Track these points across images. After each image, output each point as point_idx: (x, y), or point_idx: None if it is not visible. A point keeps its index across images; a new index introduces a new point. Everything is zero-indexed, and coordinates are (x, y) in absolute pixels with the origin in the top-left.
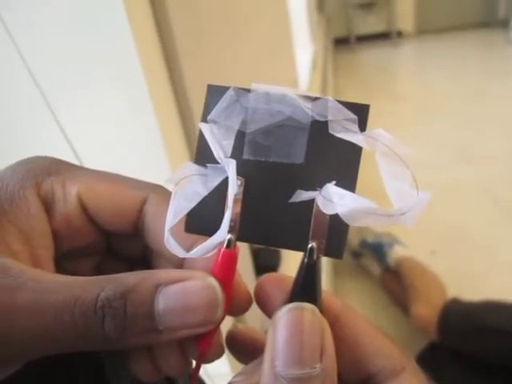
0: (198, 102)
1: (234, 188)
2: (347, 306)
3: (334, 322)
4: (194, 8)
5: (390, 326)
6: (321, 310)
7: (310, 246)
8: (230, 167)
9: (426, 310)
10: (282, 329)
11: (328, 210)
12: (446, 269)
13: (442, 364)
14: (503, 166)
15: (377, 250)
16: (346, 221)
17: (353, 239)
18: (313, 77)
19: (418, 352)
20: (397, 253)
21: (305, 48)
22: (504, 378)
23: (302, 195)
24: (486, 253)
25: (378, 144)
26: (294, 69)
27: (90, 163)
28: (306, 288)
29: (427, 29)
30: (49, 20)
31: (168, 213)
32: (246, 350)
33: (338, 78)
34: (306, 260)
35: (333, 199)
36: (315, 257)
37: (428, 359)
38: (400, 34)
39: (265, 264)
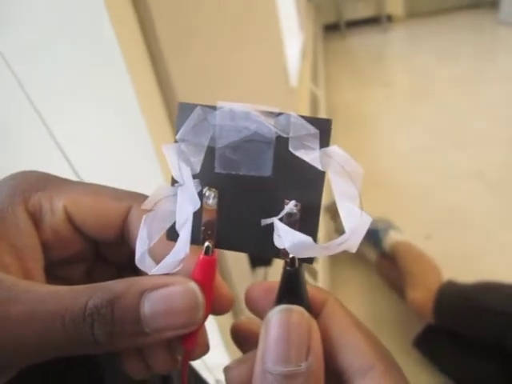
0: (184, 98)
1: (194, 204)
2: (332, 299)
3: (315, 316)
4: (178, 3)
5: (386, 310)
6: (308, 310)
7: (291, 255)
8: (184, 192)
9: (422, 294)
10: (271, 328)
11: (278, 244)
12: (440, 252)
13: (438, 346)
14: (495, 149)
15: (372, 235)
16: (293, 253)
17: None
18: (303, 64)
19: (414, 335)
20: (392, 238)
21: (294, 36)
22: (500, 358)
23: (267, 221)
24: (480, 235)
25: (332, 162)
26: (284, 57)
27: (83, 171)
28: (290, 293)
29: (417, 12)
30: (35, 29)
31: (138, 237)
32: (250, 342)
33: (328, 65)
34: (287, 269)
35: (280, 234)
36: (296, 265)
37: (425, 342)
38: (390, 18)
39: (259, 257)
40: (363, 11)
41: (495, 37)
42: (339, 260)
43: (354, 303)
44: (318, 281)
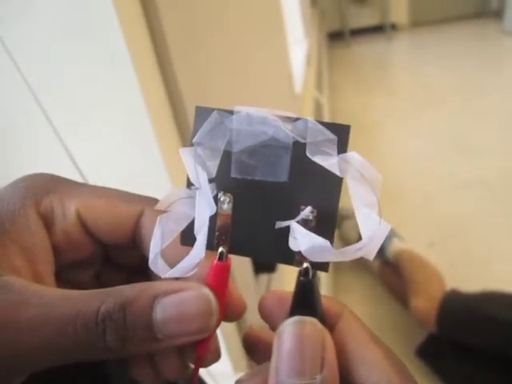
0: (191, 103)
1: (206, 211)
2: (347, 311)
3: (330, 329)
4: (186, 8)
5: (388, 318)
6: (322, 322)
7: (304, 265)
8: (200, 197)
9: (425, 303)
10: (284, 341)
11: (294, 247)
12: (444, 260)
13: (441, 355)
14: (499, 157)
15: None
16: (308, 257)
17: (351, 233)
18: (307, 72)
19: (417, 344)
20: (395, 246)
21: (299, 43)
22: (503, 367)
23: (282, 224)
24: (483, 243)
25: (350, 168)
26: (288, 64)
27: (92, 178)
28: (304, 304)
29: (421, 21)
30: (42, 29)
31: (153, 238)
32: (261, 351)
33: (333, 73)
34: (301, 279)
35: (296, 237)
36: (310, 275)
37: (428, 351)
38: (394, 27)
39: (263, 262)
40: (367, 19)
41: (499, 46)
42: (342, 267)
43: (356, 311)
44: (320, 288)
